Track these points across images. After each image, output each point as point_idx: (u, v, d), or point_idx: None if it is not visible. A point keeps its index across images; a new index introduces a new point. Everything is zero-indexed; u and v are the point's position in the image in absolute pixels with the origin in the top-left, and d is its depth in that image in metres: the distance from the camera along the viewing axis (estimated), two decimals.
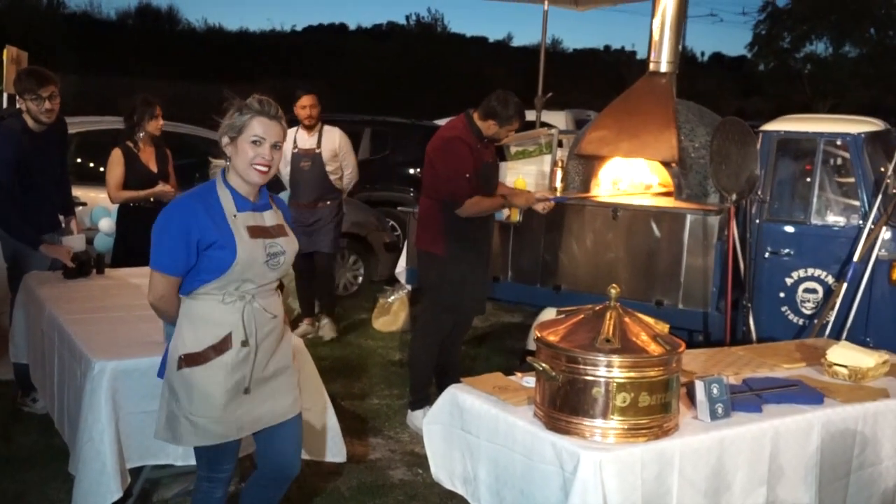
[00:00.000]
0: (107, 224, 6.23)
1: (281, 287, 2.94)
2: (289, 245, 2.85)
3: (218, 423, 2.75)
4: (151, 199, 5.38)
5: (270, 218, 2.83)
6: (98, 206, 6.41)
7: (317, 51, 35.58)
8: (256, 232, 2.75)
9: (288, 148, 5.98)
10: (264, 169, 2.72)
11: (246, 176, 2.73)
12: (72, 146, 6.93)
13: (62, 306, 3.94)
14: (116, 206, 5.56)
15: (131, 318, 3.81)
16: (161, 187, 5.39)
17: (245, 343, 2.72)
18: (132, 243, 5.39)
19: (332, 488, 4.05)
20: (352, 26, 48.08)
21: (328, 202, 6.40)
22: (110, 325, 3.67)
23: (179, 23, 40.51)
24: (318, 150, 6.31)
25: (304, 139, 6.31)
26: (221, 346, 2.71)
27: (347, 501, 3.95)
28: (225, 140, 2.74)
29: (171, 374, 2.77)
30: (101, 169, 5.59)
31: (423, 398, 4.77)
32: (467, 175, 4.52)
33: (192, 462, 3.29)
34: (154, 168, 5.41)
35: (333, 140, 6.39)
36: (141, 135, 5.33)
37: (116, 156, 5.32)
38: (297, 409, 2.99)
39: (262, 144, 2.71)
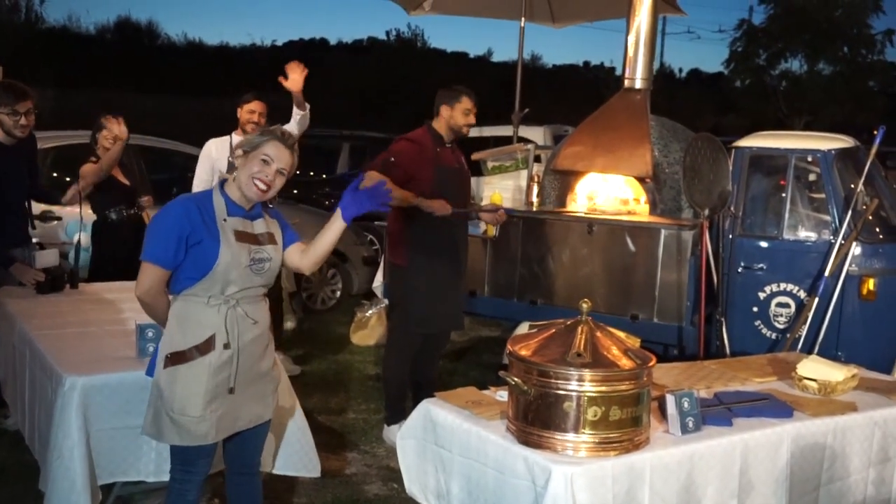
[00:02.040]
0: (82, 238, 6.19)
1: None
2: (276, 253, 2.99)
3: (198, 422, 2.84)
4: (125, 213, 5.38)
5: (261, 226, 2.98)
6: (73, 220, 6.37)
7: None
8: (243, 237, 2.90)
9: (224, 156, 5.52)
10: (263, 187, 2.89)
11: (246, 188, 2.89)
12: (47, 160, 6.91)
13: (34, 321, 3.91)
14: (91, 220, 5.54)
15: (103, 333, 3.78)
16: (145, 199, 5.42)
17: (227, 346, 2.85)
18: (108, 257, 5.37)
19: (306, 503, 4.03)
20: (332, 41, 48.12)
21: None
22: (82, 341, 3.64)
23: (159, 37, 40.42)
24: None
25: None
26: (205, 347, 2.83)
27: None
28: (239, 152, 2.95)
29: (158, 371, 2.89)
30: None
31: (399, 413, 4.76)
32: (392, 159, 4.52)
33: (164, 478, 3.29)
34: (126, 181, 5.42)
35: None
36: (97, 148, 5.32)
37: (87, 170, 5.31)
38: (270, 414, 3.11)
39: (270, 164, 2.90)
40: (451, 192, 4.66)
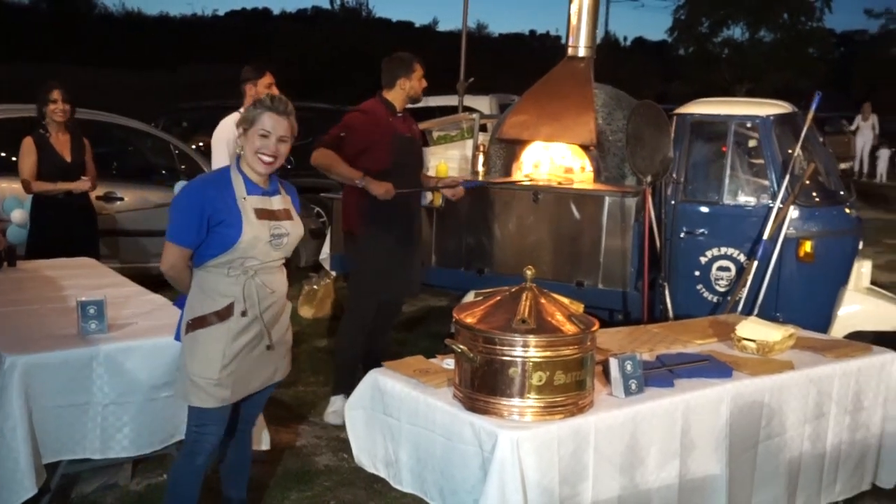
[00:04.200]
0: (19, 215, 6.04)
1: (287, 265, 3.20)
2: (293, 228, 3.13)
3: (216, 385, 2.99)
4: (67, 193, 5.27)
5: (278, 203, 3.12)
6: (9, 196, 6.21)
7: (240, 36, 34.93)
8: (263, 214, 3.03)
9: (234, 136, 5.32)
10: (269, 160, 3.01)
11: (253, 164, 3.03)
12: None
13: None
14: (30, 196, 5.40)
15: (45, 310, 3.72)
16: (76, 183, 5.24)
17: (244, 313, 2.99)
18: (47, 234, 5.25)
19: (256, 477, 4.00)
20: (275, 11, 47.41)
21: None
22: (22, 319, 3.57)
23: (96, 7, 39.36)
24: None
25: None
26: (224, 314, 2.99)
27: (272, 490, 3.93)
28: (239, 131, 3.07)
29: (183, 337, 3.07)
30: (14, 158, 5.43)
31: (345, 384, 4.75)
32: (342, 134, 4.55)
33: (110, 456, 3.27)
34: (68, 157, 5.28)
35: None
36: (46, 122, 5.18)
37: (27, 144, 5.18)
38: (283, 375, 3.27)
39: (269, 137, 3.01)
40: (407, 161, 4.69)
